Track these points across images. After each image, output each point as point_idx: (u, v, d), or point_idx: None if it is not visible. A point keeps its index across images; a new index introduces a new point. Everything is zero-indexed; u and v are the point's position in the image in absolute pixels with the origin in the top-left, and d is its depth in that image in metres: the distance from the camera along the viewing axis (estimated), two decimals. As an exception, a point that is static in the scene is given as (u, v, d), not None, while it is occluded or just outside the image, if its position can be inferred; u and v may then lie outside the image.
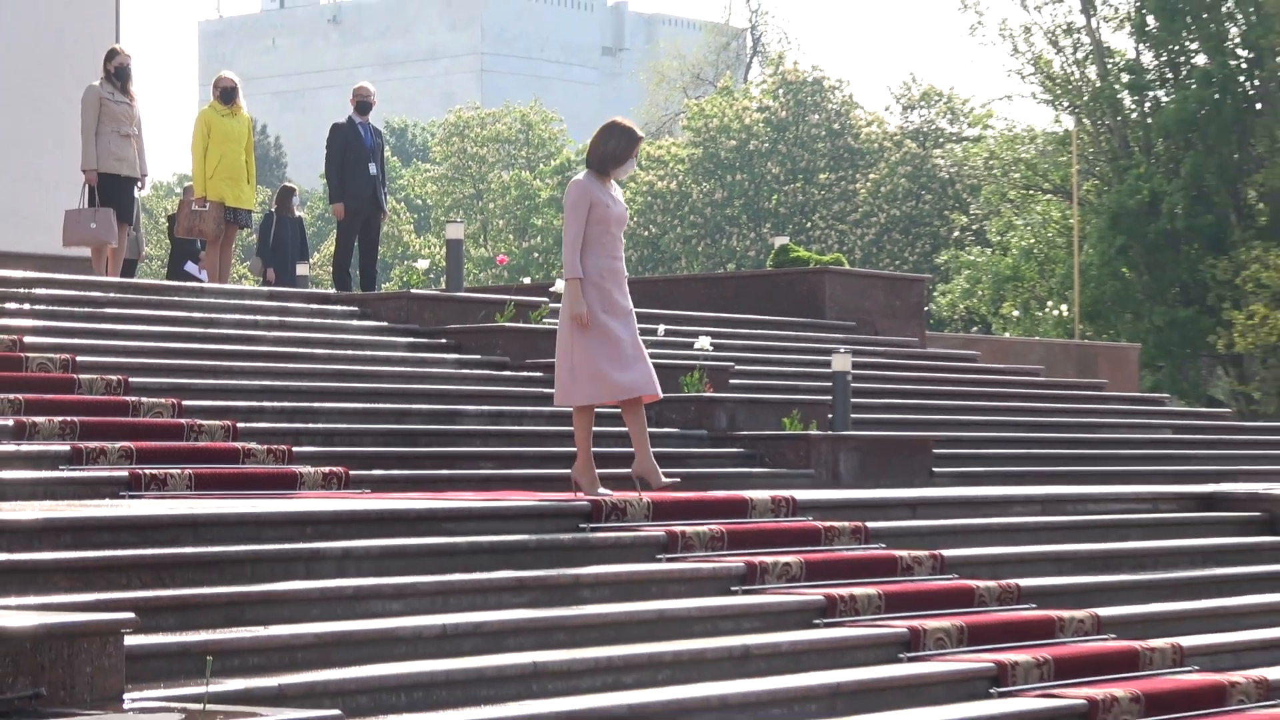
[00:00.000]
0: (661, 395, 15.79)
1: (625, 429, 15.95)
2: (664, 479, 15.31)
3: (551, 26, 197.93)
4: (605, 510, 14.47)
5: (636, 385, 15.31)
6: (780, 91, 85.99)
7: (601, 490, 15.20)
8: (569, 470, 17.13)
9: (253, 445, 16.81)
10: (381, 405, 19.45)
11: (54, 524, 11.68)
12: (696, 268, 78.82)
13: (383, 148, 28.89)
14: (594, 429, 15.74)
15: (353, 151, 27.86)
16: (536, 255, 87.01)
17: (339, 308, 23.53)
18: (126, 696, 8.67)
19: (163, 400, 17.58)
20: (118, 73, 25.41)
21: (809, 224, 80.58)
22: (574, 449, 16.43)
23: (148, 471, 15.25)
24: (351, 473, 16.52)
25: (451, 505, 14.00)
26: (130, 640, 9.03)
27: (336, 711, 8.76)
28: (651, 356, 22.78)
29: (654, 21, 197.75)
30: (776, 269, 32.11)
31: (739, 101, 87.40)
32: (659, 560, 14.01)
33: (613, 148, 15.48)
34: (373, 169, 27.96)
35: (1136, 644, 14.45)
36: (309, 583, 11.90)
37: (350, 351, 21.43)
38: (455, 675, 11.05)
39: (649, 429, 15.92)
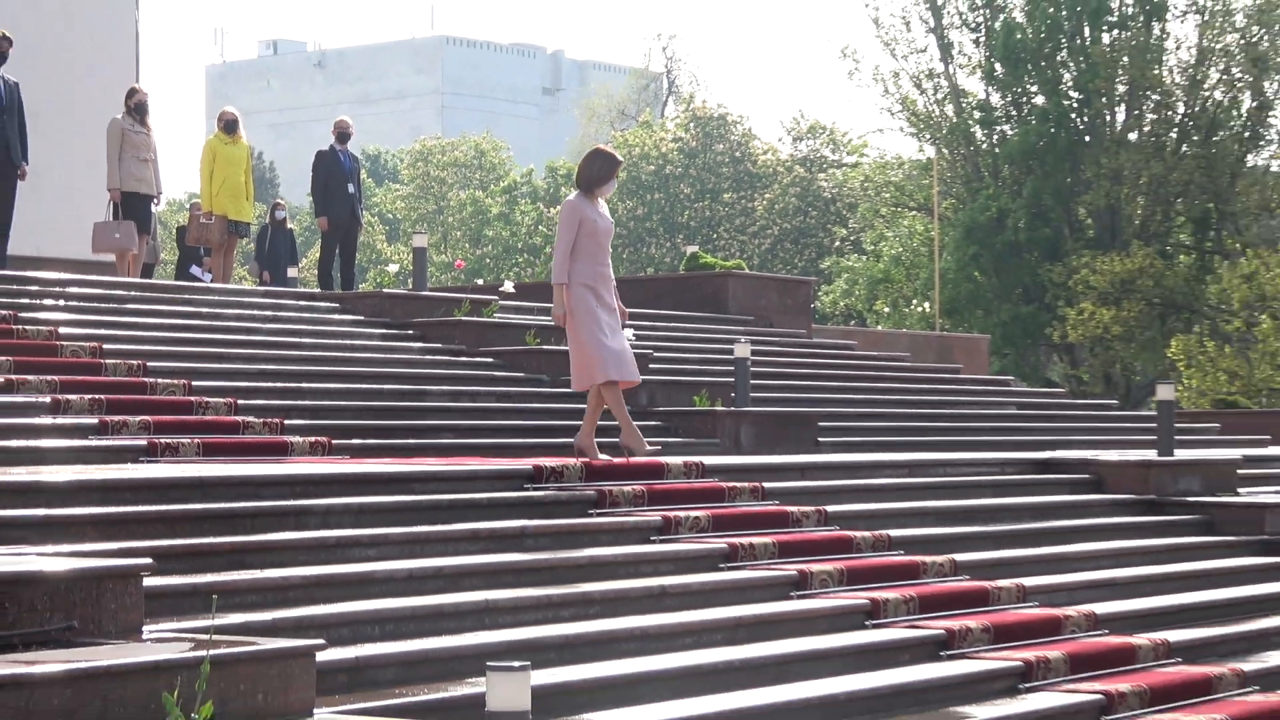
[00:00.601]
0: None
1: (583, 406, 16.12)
2: (647, 449, 15.52)
3: (500, 71, 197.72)
4: (545, 473, 14.47)
5: (618, 374, 15.36)
6: (691, 125, 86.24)
7: (601, 456, 15.41)
8: (514, 440, 17.15)
9: (251, 419, 16.77)
10: (359, 385, 19.41)
11: (84, 485, 11.64)
12: (621, 271, 78.62)
13: (359, 171, 28.93)
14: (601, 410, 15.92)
15: (334, 174, 27.92)
16: (488, 261, 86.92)
17: (323, 304, 23.47)
18: (145, 628, 8.64)
19: (175, 381, 17.53)
20: (137, 108, 25.44)
21: (715, 235, 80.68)
22: (521, 422, 16.43)
23: (163, 441, 15.22)
24: (334, 441, 16.48)
25: (417, 469, 13.99)
26: (148, 582, 8.99)
27: (321, 641, 8.73)
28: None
29: (586, 66, 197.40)
30: (688, 273, 32.11)
31: (657, 133, 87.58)
32: (590, 515, 14.02)
33: (597, 170, 15.54)
34: (351, 189, 28.03)
35: (987, 584, 14.51)
36: (298, 533, 11.88)
37: (332, 341, 21.38)
38: (420, 610, 11.05)
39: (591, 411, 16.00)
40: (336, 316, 22.83)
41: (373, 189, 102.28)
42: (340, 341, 21.44)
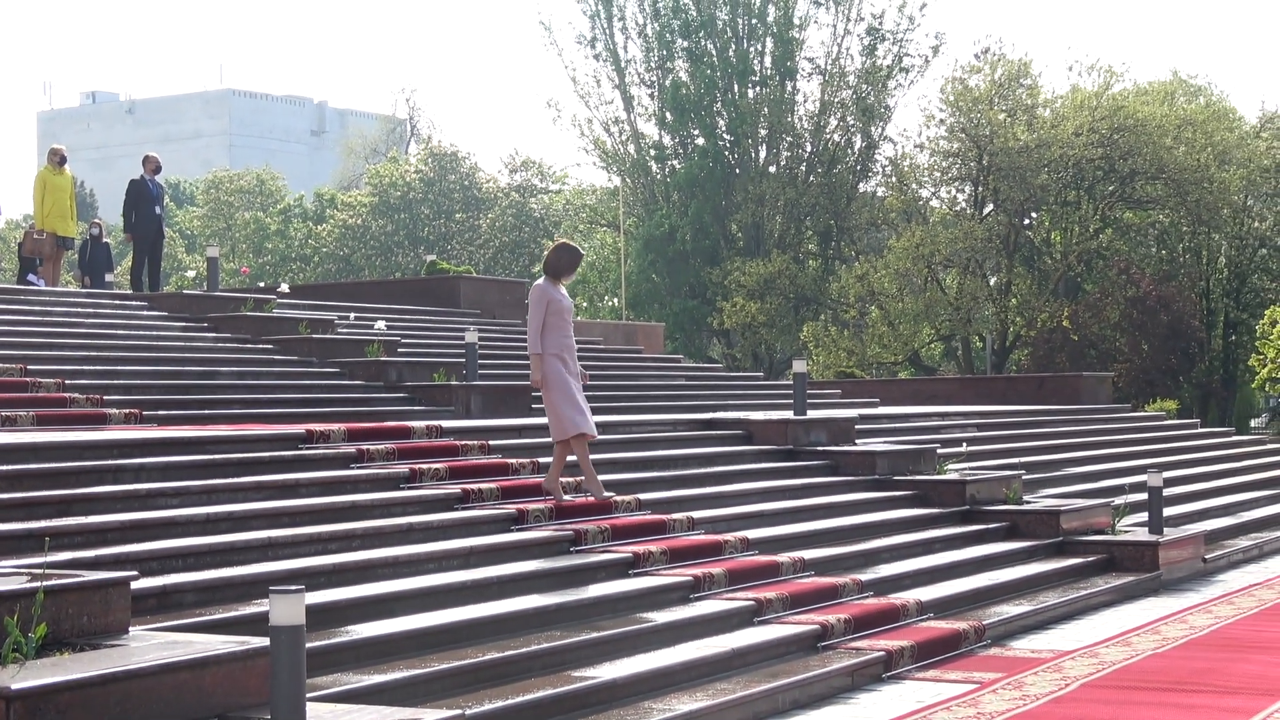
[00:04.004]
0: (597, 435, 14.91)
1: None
2: (605, 494, 14.47)
3: (276, 116, 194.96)
4: (315, 435, 14.29)
5: (586, 427, 14.42)
6: (429, 160, 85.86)
7: (565, 496, 14.30)
8: (290, 409, 16.80)
9: (76, 395, 16.40)
10: (164, 367, 19.06)
11: (-63, 450, 11.26)
12: (375, 275, 78.27)
13: (163, 196, 28.51)
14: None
15: (143, 198, 27.52)
16: (268, 267, 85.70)
17: (134, 303, 23.07)
18: (-11, 566, 8.37)
19: (14, 365, 17.11)
20: (-21, 145, 24.87)
21: (449, 246, 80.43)
22: (295, 395, 16.10)
23: (3, 413, 14.80)
24: (144, 413, 16.17)
25: (212, 434, 13.73)
26: (-9, 528, 8.73)
27: (135, 572, 8.54)
28: (345, 337, 22.58)
29: (345, 113, 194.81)
30: (428, 276, 31.99)
31: (402, 166, 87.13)
32: (351, 467, 13.88)
33: (565, 261, 14.61)
34: (157, 210, 27.69)
35: (664, 516, 14.59)
36: (116, 487, 11.62)
37: (142, 332, 20.99)
38: (216, 547, 10.85)
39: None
40: (145, 313, 22.44)
41: (174, 210, 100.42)
42: (148, 333, 21.06)
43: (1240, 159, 55.17)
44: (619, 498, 14.58)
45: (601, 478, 15.51)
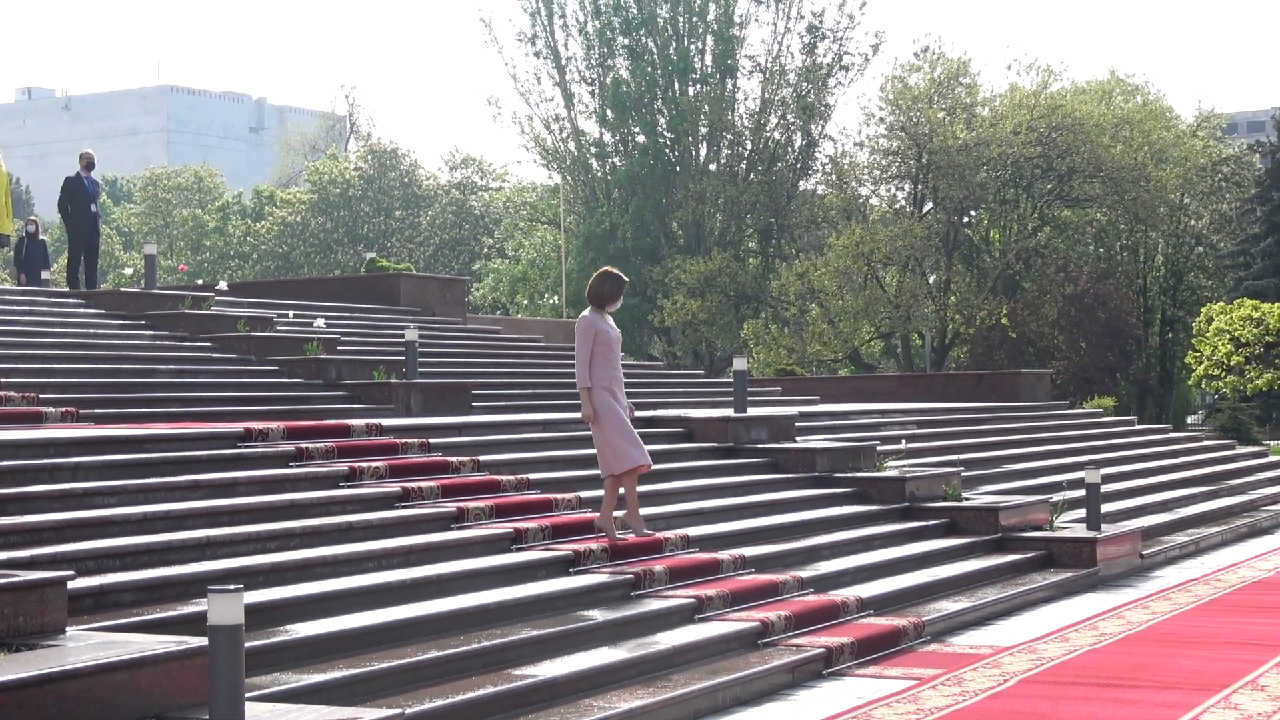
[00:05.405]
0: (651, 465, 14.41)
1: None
2: (645, 531, 14.17)
3: (214, 113, 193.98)
4: (253, 434, 14.23)
5: (642, 459, 13.99)
6: (369, 157, 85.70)
7: (618, 534, 13.88)
8: (228, 408, 16.69)
9: (11, 394, 16.26)
10: (101, 365, 18.92)
11: None
12: (314, 273, 78.01)
13: (99, 193, 28.29)
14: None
15: (80, 195, 27.34)
16: (206, 265, 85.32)
17: (71, 301, 22.92)
18: (-77, 566, 8.30)
19: (-53, 364, 16.94)
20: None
21: (389, 244, 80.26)
22: (233, 394, 15.99)
23: (-63, 412, 14.68)
24: (80, 411, 16.05)
25: (149, 433, 13.65)
26: (-75, 527, 8.65)
27: (71, 572, 8.49)
28: (284, 335, 22.48)
29: (284, 110, 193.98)
30: (368, 274, 31.89)
31: (341, 163, 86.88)
32: (290, 466, 13.82)
33: (608, 290, 14.10)
34: (94, 207, 27.53)
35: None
36: (52, 486, 11.54)
37: (79, 330, 20.85)
38: (153, 546, 10.79)
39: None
40: (82, 310, 22.30)
41: (111, 208, 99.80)
42: (85, 330, 20.92)
43: (1177, 158, 55.62)
44: (665, 535, 14.30)
45: (542, 476, 15.52)
